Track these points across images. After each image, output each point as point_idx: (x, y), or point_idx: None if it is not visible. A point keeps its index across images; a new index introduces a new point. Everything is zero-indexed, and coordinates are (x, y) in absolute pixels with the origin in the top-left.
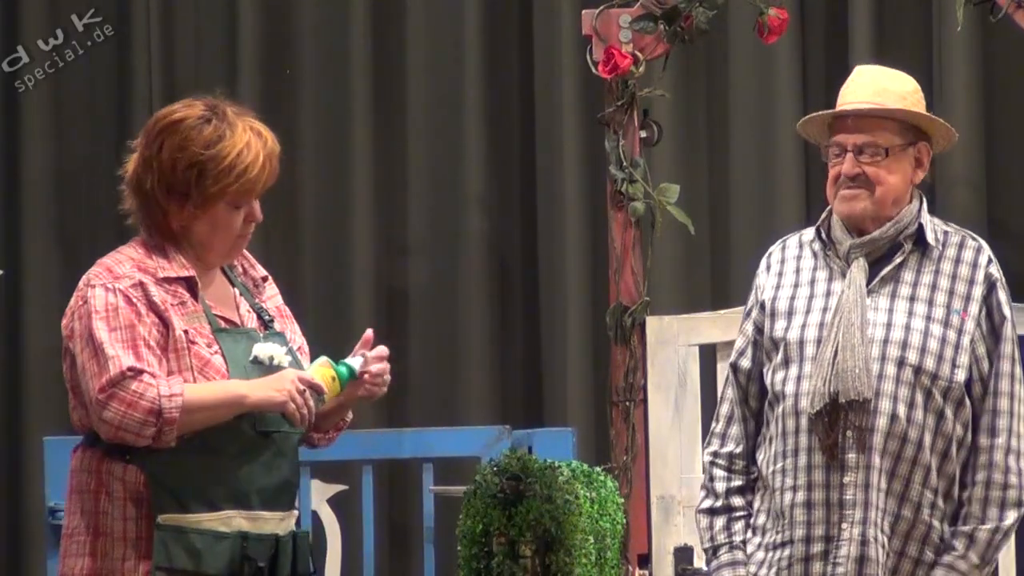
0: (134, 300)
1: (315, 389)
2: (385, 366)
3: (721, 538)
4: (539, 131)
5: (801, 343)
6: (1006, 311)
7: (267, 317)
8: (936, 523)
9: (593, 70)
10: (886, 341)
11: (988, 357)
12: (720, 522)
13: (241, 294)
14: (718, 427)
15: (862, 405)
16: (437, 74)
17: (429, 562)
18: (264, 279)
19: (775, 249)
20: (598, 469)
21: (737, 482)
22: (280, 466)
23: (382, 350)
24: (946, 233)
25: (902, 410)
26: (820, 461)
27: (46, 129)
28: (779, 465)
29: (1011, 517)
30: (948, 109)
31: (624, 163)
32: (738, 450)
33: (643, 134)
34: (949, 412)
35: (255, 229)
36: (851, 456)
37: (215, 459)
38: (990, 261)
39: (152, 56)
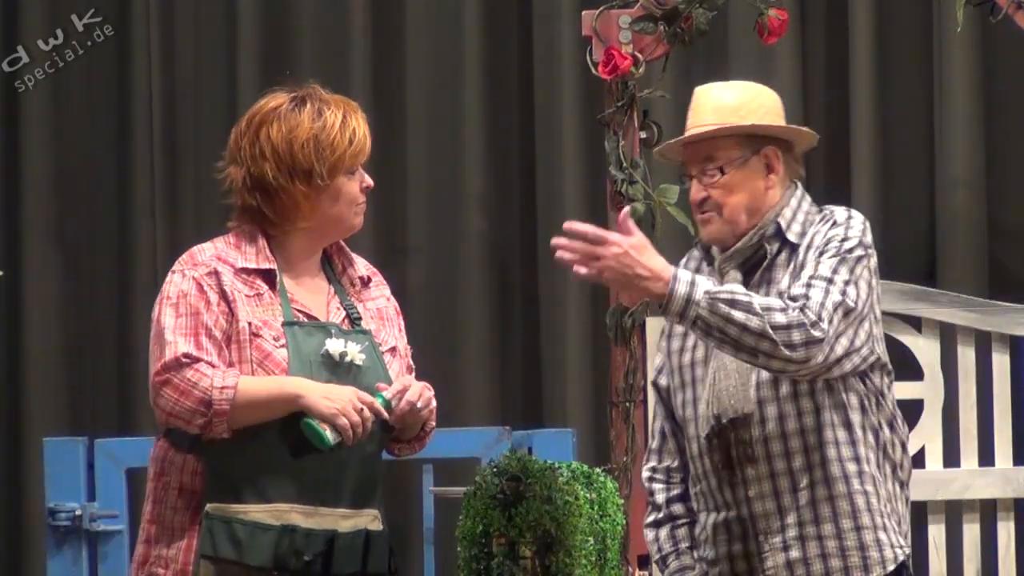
0: (206, 288)
1: (374, 411)
2: (406, 407)
3: (667, 547)
4: (539, 131)
5: (692, 365)
6: (832, 231)
7: (355, 315)
8: (871, 488)
9: (593, 71)
10: None
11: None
12: (664, 532)
13: (336, 291)
14: (654, 443)
15: (745, 420)
16: (437, 74)
17: (429, 563)
18: (367, 279)
19: (681, 262)
20: (598, 470)
21: (676, 491)
22: (345, 463)
23: (400, 385)
24: (814, 220)
25: (790, 407)
26: (725, 480)
27: (46, 129)
28: (696, 488)
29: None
30: (948, 109)
31: (624, 164)
32: (675, 464)
33: (643, 135)
34: (836, 383)
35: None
36: (749, 471)
37: (272, 452)
38: (834, 224)
39: (152, 56)
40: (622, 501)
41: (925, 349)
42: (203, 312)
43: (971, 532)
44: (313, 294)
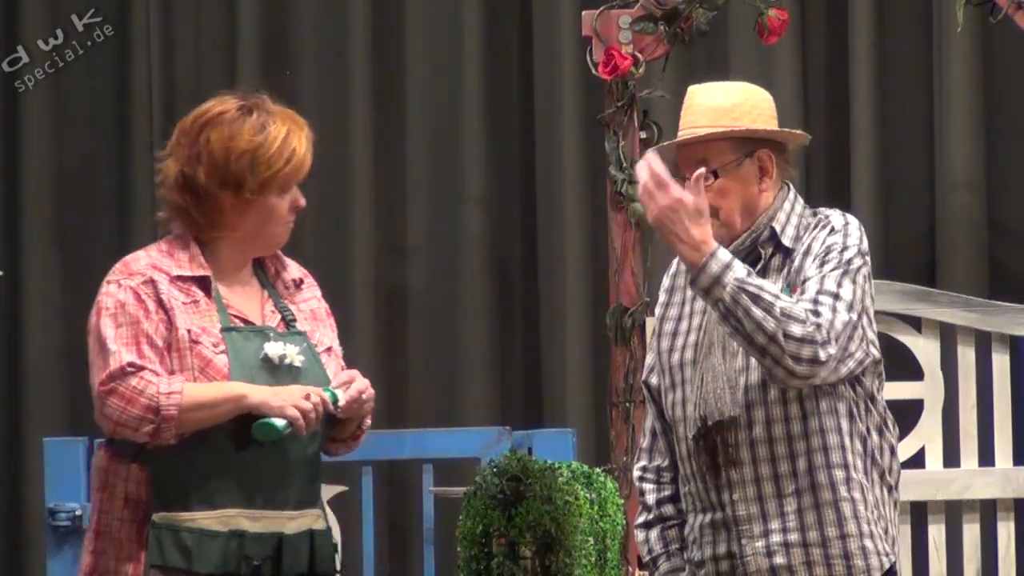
0: (143, 297)
1: (322, 401)
2: (355, 396)
3: (658, 548)
4: (539, 131)
5: (681, 365)
6: (830, 238)
7: (290, 317)
8: (857, 495)
9: (593, 71)
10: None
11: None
12: (655, 533)
13: (270, 295)
14: (645, 442)
15: (731, 423)
16: (437, 74)
17: (429, 563)
18: (299, 281)
19: (673, 263)
20: (598, 470)
21: (666, 492)
22: (289, 464)
23: (347, 376)
24: (809, 224)
25: (778, 411)
26: (711, 482)
27: (46, 129)
28: (686, 488)
29: (802, 327)
30: (948, 109)
31: (624, 164)
32: (665, 463)
33: (643, 135)
34: (825, 389)
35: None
36: (734, 474)
37: (217, 458)
38: (832, 231)
39: (152, 56)
40: (622, 501)
41: (925, 349)
42: (143, 321)
43: (971, 532)
44: (247, 299)
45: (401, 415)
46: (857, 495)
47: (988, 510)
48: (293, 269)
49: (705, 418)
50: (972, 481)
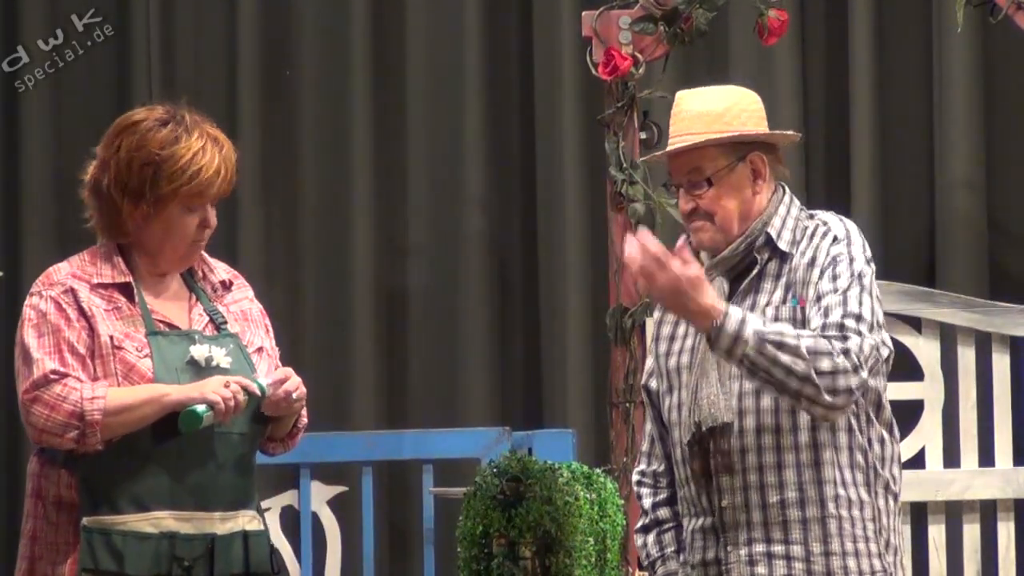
0: (64, 306)
1: (244, 387)
2: (283, 388)
3: (654, 552)
4: (539, 132)
5: (678, 370)
6: (834, 248)
7: (219, 319)
8: (845, 512)
9: (593, 71)
10: None
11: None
12: (651, 538)
13: (198, 299)
14: (644, 446)
15: (724, 429)
16: (437, 74)
17: (429, 564)
18: (227, 283)
19: None
20: (598, 470)
21: (662, 495)
22: (219, 465)
23: (281, 373)
24: (805, 229)
25: (769, 421)
26: (703, 487)
27: (46, 129)
28: (681, 492)
29: (842, 360)
30: (948, 109)
31: (624, 165)
32: (661, 468)
33: (643, 135)
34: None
35: (218, 234)
36: (724, 479)
37: (146, 460)
38: (835, 240)
39: (152, 56)
40: (622, 502)
41: (925, 350)
42: (64, 329)
43: (971, 532)
44: (173, 303)
45: (401, 415)
46: (845, 512)
47: (988, 510)
48: (220, 271)
49: (699, 423)
50: (972, 481)
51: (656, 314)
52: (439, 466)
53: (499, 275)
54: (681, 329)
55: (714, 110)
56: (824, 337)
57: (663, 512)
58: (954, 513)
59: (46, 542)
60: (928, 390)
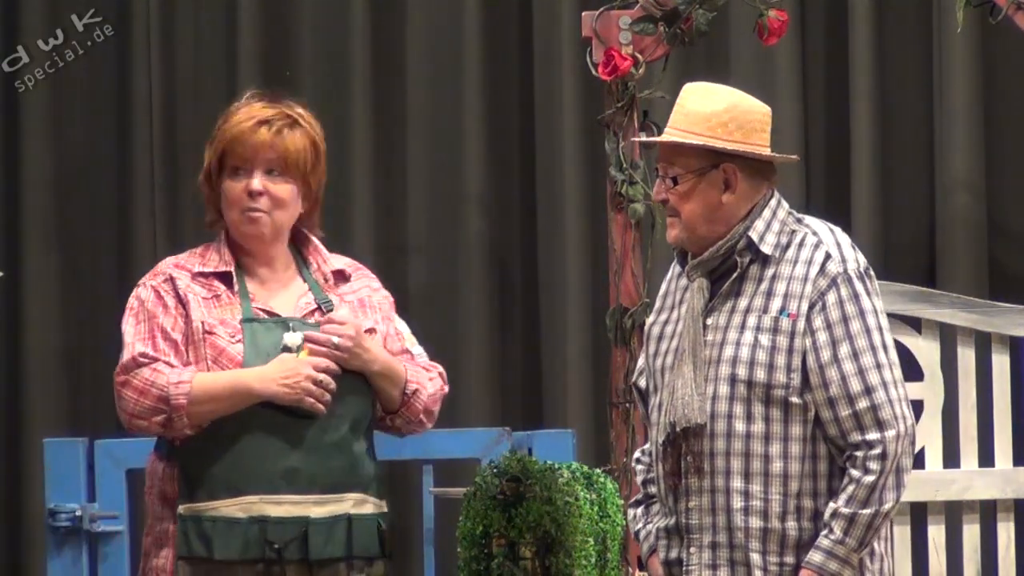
0: (163, 294)
1: (329, 371)
2: (325, 333)
3: (641, 524)
4: (539, 132)
5: (662, 371)
6: (849, 307)
7: (328, 308)
8: (807, 524)
9: (593, 72)
10: (719, 360)
11: (830, 345)
12: (640, 510)
13: (310, 288)
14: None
15: (698, 431)
16: (437, 75)
17: (429, 564)
18: (345, 274)
19: (672, 267)
20: (598, 471)
21: (653, 473)
22: (314, 448)
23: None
24: (792, 233)
25: (740, 427)
26: (671, 488)
27: (46, 129)
28: (656, 490)
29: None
30: (948, 109)
31: (624, 165)
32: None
33: (643, 136)
34: (794, 415)
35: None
36: (693, 481)
37: (238, 446)
38: (828, 257)
39: (152, 56)
40: (622, 502)
41: (925, 350)
42: (159, 315)
43: (971, 532)
44: (281, 291)
45: None
46: (808, 524)
47: (988, 510)
48: (335, 262)
49: (674, 424)
50: (972, 482)
51: (652, 315)
52: (439, 466)
53: (499, 275)
54: (669, 329)
55: (702, 112)
56: (866, 471)
57: (653, 488)
58: (954, 513)
59: (155, 536)
60: (928, 390)
